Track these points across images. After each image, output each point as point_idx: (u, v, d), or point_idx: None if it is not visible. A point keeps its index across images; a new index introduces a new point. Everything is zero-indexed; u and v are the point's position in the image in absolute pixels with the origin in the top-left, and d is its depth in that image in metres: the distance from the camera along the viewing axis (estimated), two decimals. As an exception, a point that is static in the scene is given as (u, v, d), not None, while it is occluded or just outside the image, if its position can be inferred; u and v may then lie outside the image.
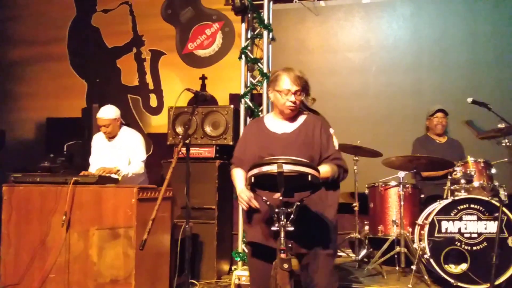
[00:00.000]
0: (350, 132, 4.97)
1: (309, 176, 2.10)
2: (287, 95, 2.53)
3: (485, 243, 3.62)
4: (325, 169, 2.43)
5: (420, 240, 3.81)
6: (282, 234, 2.08)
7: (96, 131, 5.18)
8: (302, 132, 2.56)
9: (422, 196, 4.39)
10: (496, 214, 3.53)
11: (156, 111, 6.02)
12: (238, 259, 4.68)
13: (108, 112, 4.28)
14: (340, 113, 5.21)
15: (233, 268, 4.94)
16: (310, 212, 2.44)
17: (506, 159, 4.03)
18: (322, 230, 2.46)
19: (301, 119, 2.63)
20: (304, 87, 2.57)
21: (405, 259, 3.92)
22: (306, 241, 2.41)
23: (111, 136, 4.38)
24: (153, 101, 6.04)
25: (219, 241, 4.76)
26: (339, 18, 5.37)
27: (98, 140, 4.53)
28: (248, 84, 5.14)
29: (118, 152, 4.35)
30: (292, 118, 2.63)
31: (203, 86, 5.82)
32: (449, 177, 3.98)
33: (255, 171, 2.13)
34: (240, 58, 5.12)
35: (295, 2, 5.41)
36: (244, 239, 4.79)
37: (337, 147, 2.59)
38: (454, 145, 4.67)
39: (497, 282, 3.42)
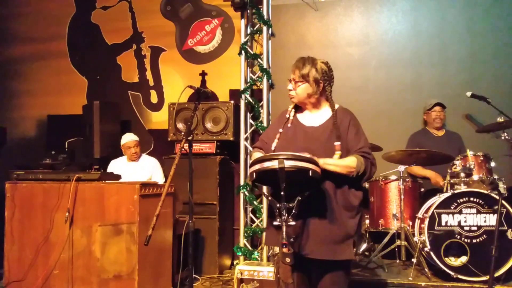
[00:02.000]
0: (350, 126, 4.99)
1: (310, 172, 2.12)
2: (290, 84, 2.55)
3: (484, 236, 3.65)
4: (351, 159, 2.35)
5: (420, 233, 3.84)
6: (284, 229, 2.10)
7: (98, 128, 5.23)
8: (328, 126, 2.48)
9: (422, 190, 4.41)
10: (496, 207, 3.56)
11: (157, 107, 6.03)
12: (240, 253, 4.71)
13: (132, 136, 4.86)
14: (340, 108, 5.23)
15: (235, 262, 4.98)
16: (328, 212, 2.35)
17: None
18: (339, 235, 2.36)
19: (330, 112, 2.54)
20: (303, 75, 2.48)
21: (406, 252, 3.96)
22: (318, 247, 2.33)
23: (138, 156, 4.83)
24: (154, 98, 6.05)
25: (220, 236, 4.80)
26: (338, 13, 5.38)
27: (117, 164, 4.84)
28: (248, 80, 5.15)
29: (140, 172, 4.70)
30: (321, 110, 2.57)
31: (203, 82, 5.83)
32: (449, 170, 4.00)
33: (257, 166, 2.15)
34: (240, 54, 5.13)
35: (294, -3, 5.42)
36: (246, 234, 4.82)
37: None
38: (453, 138, 4.68)
39: (496, 274, 3.45)
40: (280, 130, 2.55)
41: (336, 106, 2.56)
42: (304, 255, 2.32)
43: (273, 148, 2.47)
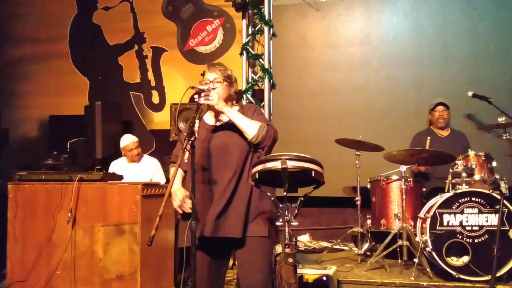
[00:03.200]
0: (352, 126, 5.01)
1: (313, 172, 2.12)
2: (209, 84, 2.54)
3: (486, 236, 3.64)
4: (255, 121, 2.40)
5: (422, 233, 3.84)
6: (287, 229, 2.11)
7: (99, 128, 5.24)
8: None
9: (424, 189, 4.41)
10: (497, 207, 3.55)
11: (158, 107, 6.04)
12: (242, 254, 4.70)
13: (132, 137, 4.80)
14: (342, 108, 5.24)
15: (236, 263, 4.97)
16: (238, 188, 2.40)
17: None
18: (253, 213, 2.42)
19: (236, 109, 2.55)
20: (229, 76, 2.56)
21: (407, 252, 3.95)
22: (235, 224, 2.37)
23: (140, 157, 4.79)
24: (155, 98, 6.06)
25: (222, 236, 4.79)
26: (339, 13, 5.38)
27: (118, 165, 4.81)
28: (250, 80, 5.16)
29: (141, 173, 4.69)
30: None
31: (205, 82, 5.83)
32: (451, 170, 4.00)
33: (259, 167, 2.16)
34: (241, 54, 5.14)
35: (296, -3, 5.43)
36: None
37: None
38: (458, 138, 4.67)
39: (498, 274, 3.44)
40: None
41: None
42: (218, 236, 2.35)
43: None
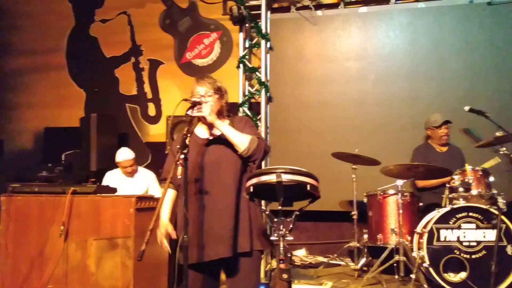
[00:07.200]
0: (348, 140, 5.00)
1: (308, 186, 2.09)
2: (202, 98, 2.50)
3: (484, 251, 3.61)
4: (246, 135, 2.38)
5: (419, 248, 3.81)
6: (281, 244, 2.07)
7: (95, 140, 5.21)
8: None
9: (421, 204, 4.38)
10: (495, 222, 3.53)
11: (155, 120, 6.02)
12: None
13: (128, 154, 4.64)
14: (338, 122, 5.23)
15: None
16: (239, 204, 2.38)
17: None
18: (254, 222, 2.40)
19: (227, 122, 2.53)
20: (219, 88, 2.56)
21: (404, 268, 3.91)
22: (246, 239, 2.34)
23: (133, 173, 4.69)
24: (151, 110, 6.05)
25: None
26: (336, 27, 5.40)
27: (112, 177, 4.73)
28: (246, 93, 5.16)
29: (136, 185, 4.63)
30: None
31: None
32: (447, 185, 3.98)
33: (254, 180, 2.14)
34: (238, 67, 5.14)
35: (293, 11, 5.45)
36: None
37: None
38: (455, 153, 4.65)
39: (496, 291, 3.42)
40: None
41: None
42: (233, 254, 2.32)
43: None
